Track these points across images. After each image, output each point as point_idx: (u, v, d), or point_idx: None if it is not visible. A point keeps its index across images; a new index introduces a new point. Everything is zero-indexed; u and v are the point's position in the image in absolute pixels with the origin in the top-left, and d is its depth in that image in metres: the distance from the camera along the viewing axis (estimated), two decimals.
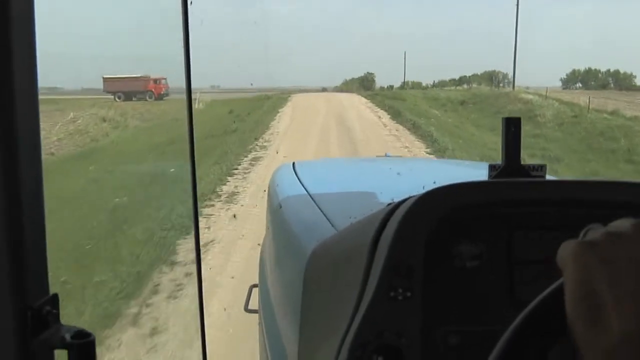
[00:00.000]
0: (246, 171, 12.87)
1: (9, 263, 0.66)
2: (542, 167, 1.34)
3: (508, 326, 0.58)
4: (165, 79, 41.15)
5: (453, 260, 1.16)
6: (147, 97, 39.53)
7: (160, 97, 39.43)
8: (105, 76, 38.96)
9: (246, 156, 14.76)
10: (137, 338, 4.86)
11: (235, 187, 10.84)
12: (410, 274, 1.08)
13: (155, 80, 40.29)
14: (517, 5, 39.56)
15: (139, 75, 39.94)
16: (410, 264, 1.08)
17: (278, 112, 26.68)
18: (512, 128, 1.30)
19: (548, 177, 1.37)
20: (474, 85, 45.65)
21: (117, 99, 38.65)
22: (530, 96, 30.49)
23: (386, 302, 1.07)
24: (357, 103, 32.80)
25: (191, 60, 1.44)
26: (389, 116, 24.50)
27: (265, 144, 16.43)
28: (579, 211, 1.16)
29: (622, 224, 0.54)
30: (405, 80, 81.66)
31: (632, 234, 0.52)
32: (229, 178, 11.94)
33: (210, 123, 21.96)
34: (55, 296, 0.73)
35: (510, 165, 1.30)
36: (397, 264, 1.08)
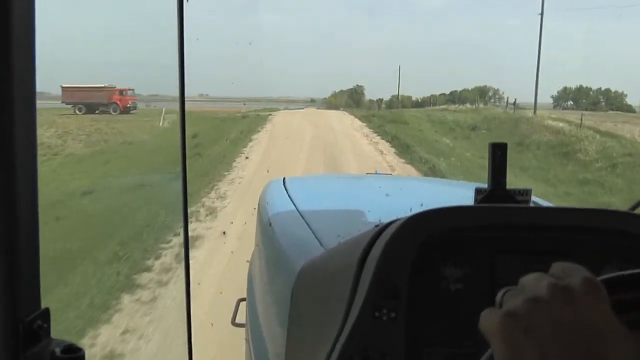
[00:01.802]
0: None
1: (2, 277, 0.65)
2: (527, 192, 1.34)
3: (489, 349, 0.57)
4: (132, 89, 36.20)
5: (438, 282, 1.15)
6: (112, 110, 34.56)
7: (126, 110, 34.67)
8: (63, 85, 33.30)
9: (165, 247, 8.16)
10: None
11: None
12: (396, 294, 1.09)
13: (121, 92, 35.36)
14: (541, 19, 33.50)
15: (102, 85, 34.40)
16: (395, 285, 1.09)
17: (251, 139, 20.51)
18: (498, 153, 1.30)
19: (534, 199, 1.43)
20: (481, 106, 39.49)
21: (77, 112, 33.38)
22: (560, 124, 24.44)
23: (371, 322, 1.09)
24: (350, 128, 26.28)
25: (185, 68, 1.39)
26: (394, 151, 18.07)
27: (216, 204, 10.37)
28: (561, 236, 1.18)
29: (536, 285, 0.54)
30: (396, 94, 77.60)
31: (548, 297, 0.53)
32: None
33: (156, 159, 15.96)
34: (47, 310, 0.72)
35: (496, 189, 1.30)
36: (382, 284, 1.09)
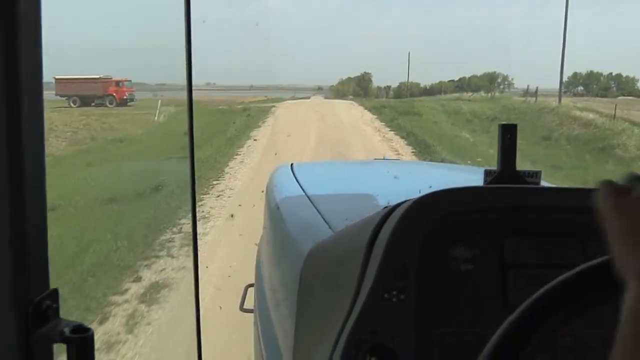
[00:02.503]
0: None
1: (11, 258, 0.66)
2: (537, 174, 1.33)
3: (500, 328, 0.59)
4: (129, 80, 34.06)
5: (447, 263, 1.14)
6: (107, 103, 32.57)
7: (123, 102, 32.58)
8: (57, 77, 31.26)
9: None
10: None
11: None
12: (405, 276, 1.08)
13: (117, 83, 33.33)
14: (567, 7, 30.83)
15: (98, 76, 32.27)
16: (404, 266, 1.09)
17: (249, 137, 18.18)
18: (507, 135, 1.29)
19: (543, 183, 1.36)
20: (497, 94, 36.80)
21: (72, 104, 31.42)
22: (590, 115, 21.92)
23: (380, 304, 1.08)
24: (360, 121, 23.55)
25: (192, 57, 1.39)
26: (411, 150, 15.63)
27: (203, 216, 8.18)
28: (572, 218, 1.14)
29: None
30: (404, 81, 74.59)
31: None
32: None
33: (146, 160, 14.26)
34: (55, 291, 0.73)
35: (506, 171, 1.29)
36: (392, 266, 1.09)
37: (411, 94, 58.80)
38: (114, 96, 32.65)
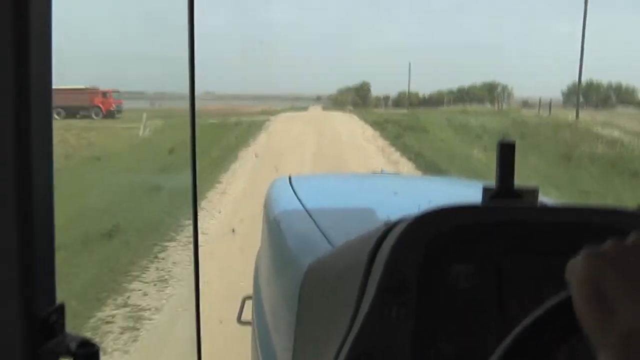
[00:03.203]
0: None
1: (18, 272, 0.66)
2: (535, 191, 1.31)
3: (498, 345, 0.59)
4: (117, 91, 31.99)
5: (446, 280, 1.14)
6: (93, 114, 30.40)
7: (109, 113, 30.63)
8: None
9: None
10: None
11: None
12: (404, 292, 1.08)
13: (103, 94, 31.23)
14: (585, 15, 28.69)
15: (84, 86, 30.13)
16: (404, 282, 1.09)
17: (237, 157, 15.99)
18: (506, 151, 1.27)
19: (542, 198, 1.35)
20: (505, 106, 34.59)
21: (56, 116, 29.04)
22: (615, 132, 19.70)
23: (380, 319, 1.08)
24: (361, 139, 21.11)
25: (195, 66, 1.38)
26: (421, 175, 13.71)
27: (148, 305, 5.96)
28: (569, 235, 1.15)
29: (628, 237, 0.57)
30: (403, 90, 73.19)
31: (637, 243, 0.56)
32: None
33: (121, 185, 12.17)
34: (62, 306, 0.72)
35: (504, 188, 1.27)
36: (391, 282, 1.09)
37: (410, 104, 56.88)
38: (100, 107, 30.65)
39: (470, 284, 1.14)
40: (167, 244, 8.02)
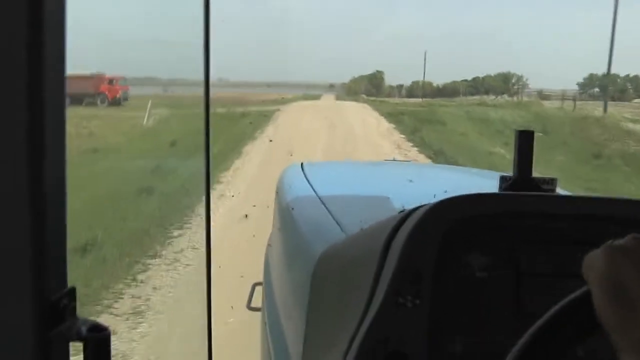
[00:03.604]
0: None
1: (29, 256, 0.66)
2: (552, 181, 1.30)
3: (514, 337, 0.58)
4: (123, 78, 30.66)
5: (462, 269, 1.12)
6: (99, 102, 29.05)
7: (115, 101, 29.37)
8: None
9: None
10: None
11: None
12: (420, 281, 1.06)
13: (110, 81, 30.08)
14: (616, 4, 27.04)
15: (89, 73, 28.88)
16: (420, 271, 1.07)
17: (240, 153, 14.74)
18: (525, 141, 1.26)
19: (559, 190, 1.33)
20: (525, 99, 32.94)
21: None
22: None
23: (394, 309, 1.06)
24: (375, 133, 19.54)
25: (210, 53, 1.38)
26: None
27: None
28: (588, 226, 1.14)
29: None
30: (417, 80, 74.09)
31: None
32: None
33: (117, 179, 11.21)
34: (73, 289, 0.72)
35: (522, 177, 1.27)
36: (407, 271, 1.07)
37: (424, 94, 55.51)
38: (106, 95, 29.39)
39: (487, 275, 1.12)
40: (149, 261, 6.80)
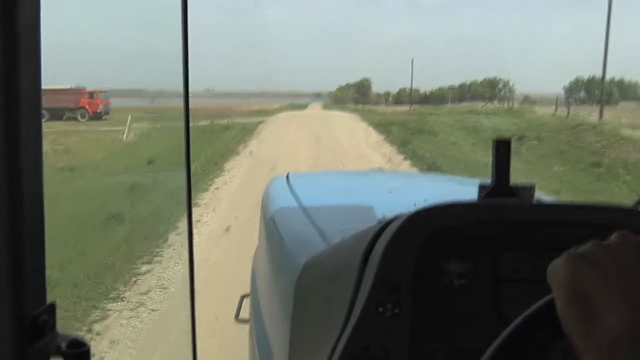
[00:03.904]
0: None
1: (7, 272, 0.66)
2: (530, 188, 1.30)
3: (492, 344, 0.59)
4: (104, 92, 29.70)
5: (441, 277, 1.13)
6: (79, 116, 28.11)
7: (96, 115, 28.28)
8: None
9: None
10: None
11: None
12: (399, 290, 1.07)
13: (90, 94, 28.94)
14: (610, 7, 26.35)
15: (68, 86, 27.86)
16: (398, 280, 1.07)
17: (222, 171, 13.78)
18: (501, 149, 1.27)
19: (538, 195, 1.34)
20: (516, 106, 32.16)
21: None
22: None
23: (374, 318, 1.07)
24: (364, 144, 18.19)
25: (189, 63, 1.40)
26: None
27: None
28: (565, 233, 1.12)
29: (610, 238, 0.56)
30: (404, 87, 73.95)
31: (618, 244, 0.54)
32: None
33: (92, 202, 10.13)
34: (52, 305, 0.72)
35: (500, 185, 1.26)
36: (386, 280, 1.08)
37: (410, 101, 55.06)
38: (86, 109, 28.37)
39: (466, 282, 1.12)
40: (110, 305, 5.84)
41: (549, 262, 0.55)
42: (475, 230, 1.15)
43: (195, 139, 17.82)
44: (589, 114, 23.68)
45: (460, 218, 1.15)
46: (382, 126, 24.25)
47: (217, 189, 11.32)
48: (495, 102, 37.75)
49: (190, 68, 1.40)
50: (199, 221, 8.89)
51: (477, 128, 22.19)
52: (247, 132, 22.69)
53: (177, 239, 8.07)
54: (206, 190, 11.40)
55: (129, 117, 21.81)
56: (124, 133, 20.42)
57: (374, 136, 21.10)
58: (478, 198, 1.27)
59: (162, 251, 7.40)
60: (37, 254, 0.69)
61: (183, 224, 8.56)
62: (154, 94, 35.28)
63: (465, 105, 39.07)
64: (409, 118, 27.75)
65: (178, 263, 7.07)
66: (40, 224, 0.70)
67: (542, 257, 1.11)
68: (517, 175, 1.34)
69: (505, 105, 32.59)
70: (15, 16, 0.62)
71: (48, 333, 0.69)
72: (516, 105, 32.60)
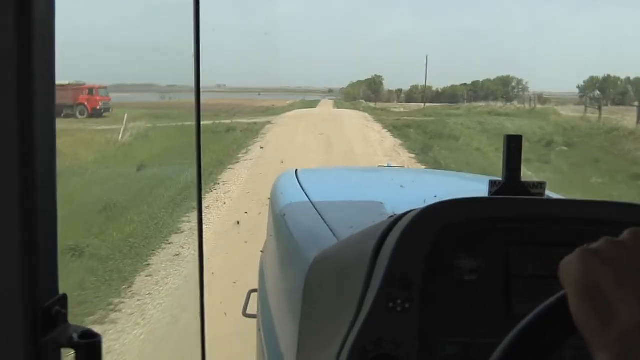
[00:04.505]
0: None
1: (21, 263, 0.66)
2: (541, 185, 1.29)
3: (504, 339, 0.59)
4: (105, 88, 28.00)
5: (452, 273, 1.11)
6: (78, 113, 26.11)
7: (96, 112, 26.30)
8: None
9: None
10: None
11: None
12: (410, 285, 1.07)
13: (89, 90, 27.20)
14: None
15: (67, 82, 26.20)
16: (409, 276, 1.08)
17: (216, 184, 11.98)
18: (513, 144, 1.26)
19: (548, 193, 1.33)
20: (539, 106, 30.09)
21: None
22: None
23: (385, 313, 1.07)
24: (379, 150, 16.10)
25: (200, 60, 1.41)
26: None
27: None
28: (576, 229, 1.13)
29: (622, 235, 0.56)
30: (416, 84, 72.36)
31: (630, 240, 0.55)
32: None
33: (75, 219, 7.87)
34: (65, 296, 0.71)
35: (511, 181, 1.26)
36: (396, 275, 1.08)
37: (423, 98, 53.44)
38: (85, 106, 26.58)
39: (476, 278, 1.11)
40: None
41: (560, 258, 0.55)
42: (486, 226, 1.13)
43: (192, 143, 15.88)
44: (622, 117, 21.66)
45: (471, 214, 1.14)
46: (398, 129, 22.13)
47: (209, 206, 9.47)
48: (515, 102, 35.64)
49: (202, 64, 1.40)
50: (178, 254, 7.15)
51: (501, 132, 20.22)
52: (251, 134, 20.72)
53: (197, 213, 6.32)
54: (193, 208, 9.60)
55: (126, 115, 20.15)
56: (119, 133, 18.80)
57: (390, 140, 19.05)
58: (489, 194, 1.27)
59: (122, 311, 5.59)
60: (50, 244, 0.69)
61: (161, 270, 6.75)
62: (166, 89, 34.13)
63: (482, 105, 37.01)
64: (426, 119, 25.63)
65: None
66: (53, 215, 0.69)
67: (553, 253, 1.03)
68: (550, 187, 1.31)
69: (527, 106, 30.40)
70: (30, 11, 0.62)
71: (60, 324, 0.68)
72: (540, 106, 30.45)
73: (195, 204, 8.39)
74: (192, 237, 7.41)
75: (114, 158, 16.22)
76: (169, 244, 7.52)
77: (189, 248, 7.20)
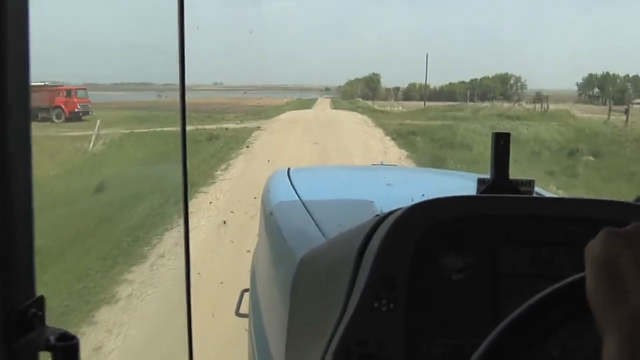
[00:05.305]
0: None
1: None
2: (530, 182, 1.28)
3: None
4: (84, 89, 25.77)
5: (438, 272, 1.10)
6: (54, 117, 24.09)
7: (74, 116, 24.39)
8: None
9: None
10: None
11: None
12: (395, 285, 1.05)
13: (67, 92, 25.25)
14: None
15: (42, 83, 23.97)
16: (394, 275, 1.06)
17: (191, 204, 9.49)
18: (501, 142, 1.24)
19: (538, 190, 1.29)
20: (552, 106, 27.86)
21: None
22: None
23: (370, 313, 1.05)
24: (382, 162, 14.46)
25: (185, 59, 1.41)
26: None
27: None
28: (565, 227, 1.11)
29: None
30: (413, 82, 73.09)
31: None
32: None
33: None
34: (42, 298, 0.71)
35: (499, 179, 1.25)
36: (381, 275, 1.06)
37: (424, 97, 52.43)
38: (62, 108, 24.49)
39: (463, 277, 1.09)
40: None
41: (548, 257, 0.54)
42: (474, 224, 1.11)
43: (172, 154, 13.42)
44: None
45: (458, 212, 1.12)
46: (402, 136, 19.69)
47: (175, 244, 7.14)
48: (524, 103, 33.47)
49: (199, 62, 2.02)
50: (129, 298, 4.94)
51: (517, 139, 17.89)
52: (236, 142, 18.17)
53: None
54: (150, 243, 7.33)
55: (98, 121, 17.94)
56: (97, 141, 16.64)
57: (394, 150, 16.54)
58: (477, 192, 1.25)
59: None
60: (27, 246, 0.68)
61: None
62: (162, 87, 32.83)
63: (487, 105, 34.81)
64: (432, 124, 23.20)
65: None
66: (29, 216, 0.68)
67: (541, 251, 1.08)
68: None
69: (539, 107, 28.15)
70: (1, 3, 0.60)
71: (37, 326, 0.67)
72: (553, 107, 28.18)
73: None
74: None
75: (79, 171, 14.08)
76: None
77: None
